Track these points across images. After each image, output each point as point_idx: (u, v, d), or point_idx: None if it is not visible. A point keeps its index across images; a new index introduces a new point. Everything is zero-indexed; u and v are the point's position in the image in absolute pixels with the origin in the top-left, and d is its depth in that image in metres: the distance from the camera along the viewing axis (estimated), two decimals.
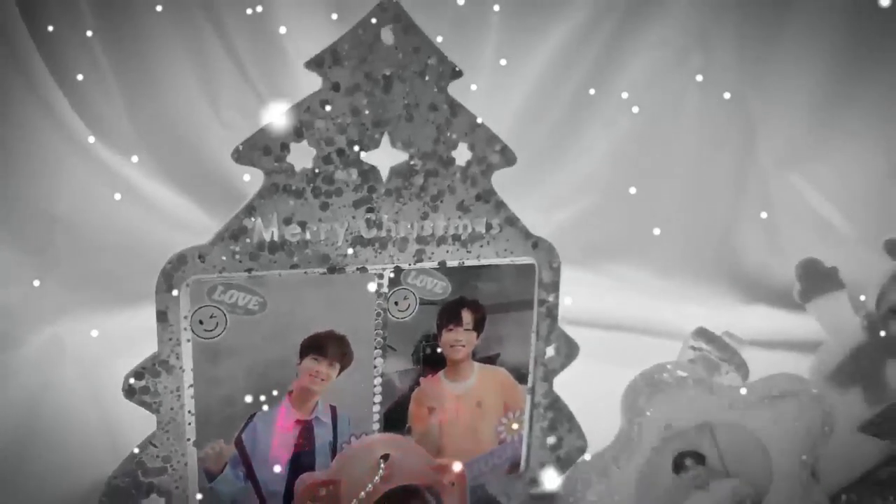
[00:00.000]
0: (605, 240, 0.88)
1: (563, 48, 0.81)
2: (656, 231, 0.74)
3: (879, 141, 0.79)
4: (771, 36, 0.79)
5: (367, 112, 0.36)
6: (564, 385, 0.48)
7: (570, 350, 0.46)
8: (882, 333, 0.49)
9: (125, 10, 0.61)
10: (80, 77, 0.56)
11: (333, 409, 0.40)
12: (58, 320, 0.56)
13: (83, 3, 0.60)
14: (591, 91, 0.83)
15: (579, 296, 0.69)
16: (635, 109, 0.82)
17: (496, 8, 0.78)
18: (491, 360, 0.44)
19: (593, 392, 0.46)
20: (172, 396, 0.35)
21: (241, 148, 0.34)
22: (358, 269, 0.39)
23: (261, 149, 0.35)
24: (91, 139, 0.57)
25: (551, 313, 0.44)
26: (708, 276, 0.85)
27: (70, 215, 0.58)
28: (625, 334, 0.75)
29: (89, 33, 0.56)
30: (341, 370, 0.40)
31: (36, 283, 0.51)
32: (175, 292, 0.34)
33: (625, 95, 0.82)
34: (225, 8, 0.62)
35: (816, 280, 0.50)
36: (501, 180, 0.93)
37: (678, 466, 0.45)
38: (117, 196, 0.56)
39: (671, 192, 0.86)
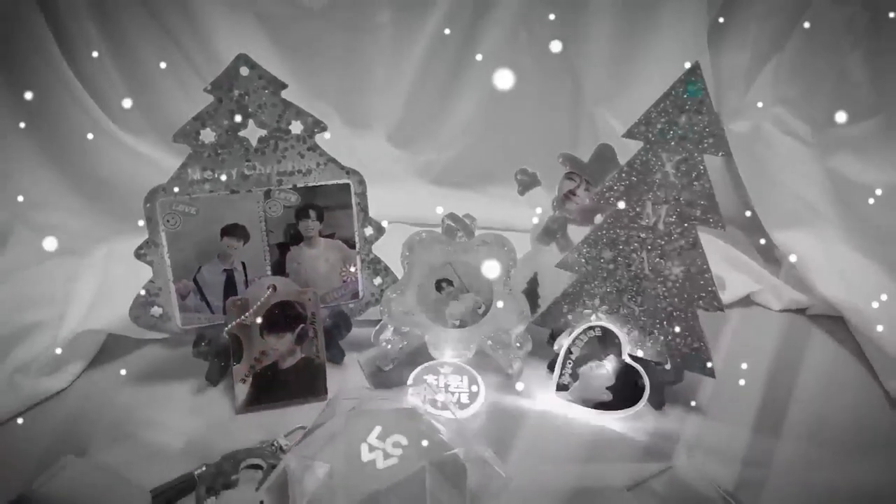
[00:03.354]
0: (484, 168, 1.21)
1: (437, 34, 1.12)
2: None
3: (666, 76, 1.08)
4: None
5: (237, 111, 0.72)
6: (386, 247, 0.84)
7: (379, 229, 0.81)
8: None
9: (119, 22, 0.97)
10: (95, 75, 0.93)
11: (244, 264, 0.78)
12: (112, 238, 0.96)
13: (88, 19, 0.95)
14: (460, 63, 1.14)
15: (465, 206, 1.00)
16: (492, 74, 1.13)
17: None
18: (331, 236, 0.80)
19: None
20: (159, 257, 0.73)
21: (175, 136, 0.71)
22: (247, 191, 0.75)
23: (185, 134, 0.71)
24: (112, 125, 0.96)
25: (364, 209, 0.80)
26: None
27: (109, 175, 0.96)
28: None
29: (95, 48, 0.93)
30: (245, 243, 0.77)
31: (93, 216, 0.90)
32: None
33: (480, 59, 1.12)
34: (183, 34, 0.98)
35: (526, 181, 0.83)
36: (405, 132, 1.24)
37: (438, 287, 0.81)
38: (134, 161, 0.94)
39: (527, 131, 1.17)
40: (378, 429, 0.57)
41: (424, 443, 0.56)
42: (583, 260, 0.80)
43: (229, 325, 0.73)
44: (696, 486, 0.70)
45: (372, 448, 0.56)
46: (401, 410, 0.59)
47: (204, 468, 0.66)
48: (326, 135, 0.76)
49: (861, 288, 0.91)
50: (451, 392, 0.77)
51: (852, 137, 0.94)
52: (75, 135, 0.94)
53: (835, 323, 0.95)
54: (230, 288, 0.77)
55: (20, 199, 0.89)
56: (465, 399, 0.77)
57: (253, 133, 0.74)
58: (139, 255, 0.73)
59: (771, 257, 1.06)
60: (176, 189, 0.72)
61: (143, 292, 0.74)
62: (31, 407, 0.74)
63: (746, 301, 0.99)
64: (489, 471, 0.59)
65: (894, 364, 0.82)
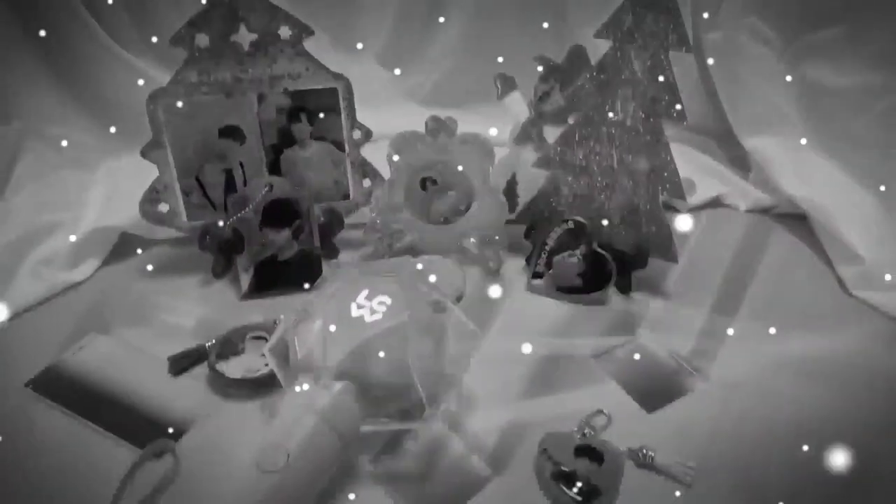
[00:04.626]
0: (470, 88, 1.25)
1: None
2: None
3: None
4: None
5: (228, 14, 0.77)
6: (373, 152, 0.90)
7: (367, 133, 0.87)
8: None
9: None
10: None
11: (242, 164, 0.84)
12: (119, 151, 1.01)
13: None
14: None
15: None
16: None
17: None
18: (322, 139, 0.86)
19: None
20: (163, 157, 0.80)
21: (171, 39, 0.76)
22: (241, 94, 0.81)
23: (180, 39, 0.76)
24: (122, 52, 1.01)
25: (351, 113, 0.86)
26: None
27: (113, 93, 1.02)
28: None
29: None
30: (241, 144, 0.83)
31: (112, 129, 0.97)
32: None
33: None
34: None
35: (505, 84, 0.88)
36: (394, 53, 1.27)
37: (423, 186, 0.87)
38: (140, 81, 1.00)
39: (513, 51, 1.20)
40: (365, 291, 0.64)
41: (406, 302, 0.63)
42: (557, 158, 0.86)
43: (231, 220, 0.80)
44: (655, 354, 0.78)
45: (360, 306, 0.63)
46: (387, 279, 0.66)
47: (214, 341, 0.74)
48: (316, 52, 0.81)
49: (823, 186, 0.97)
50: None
51: (820, 44, 0.98)
52: (80, 55, 0.99)
53: (797, 221, 1.01)
54: (230, 186, 0.84)
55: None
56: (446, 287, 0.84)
57: (244, 39, 0.79)
58: (144, 154, 0.79)
59: (741, 164, 1.11)
60: (174, 91, 0.78)
61: (154, 187, 0.81)
62: (55, 295, 0.82)
63: (715, 202, 1.06)
64: (464, 331, 0.66)
65: (850, 254, 0.89)
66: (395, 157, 0.84)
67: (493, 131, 0.86)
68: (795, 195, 0.99)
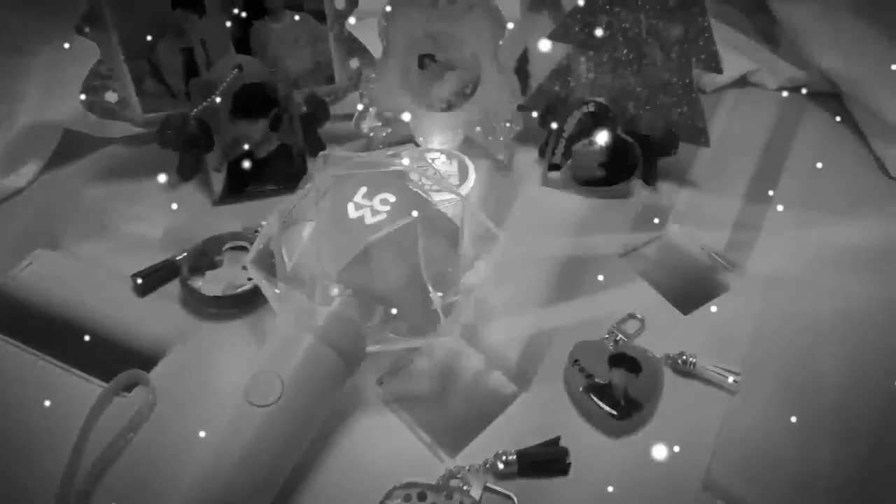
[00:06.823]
0: None
1: None
2: None
3: None
4: None
5: None
6: (361, 31, 0.77)
7: (352, 1, 0.73)
8: None
9: None
10: None
11: (203, 41, 0.70)
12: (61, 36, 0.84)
13: None
14: None
15: None
16: None
17: None
18: (299, 8, 0.73)
19: None
20: (105, 34, 0.66)
21: None
22: None
23: None
24: None
25: None
26: None
27: None
28: None
29: None
30: (201, 16, 0.69)
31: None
32: None
33: None
34: None
35: None
36: None
37: (420, 65, 0.75)
38: None
39: None
40: (364, 189, 0.53)
41: (412, 199, 0.53)
42: (576, 28, 0.74)
43: (196, 110, 0.68)
44: (687, 249, 0.70)
45: (359, 206, 0.53)
46: (387, 172, 0.56)
47: (185, 253, 0.63)
48: None
49: (861, 57, 0.86)
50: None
51: None
52: None
53: (832, 100, 0.91)
54: (191, 69, 0.71)
55: None
56: (455, 182, 0.74)
57: None
58: (80, 30, 0.65)
59: (770, 37, 1.00)
60: None
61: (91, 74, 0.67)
62: None
63: (742, 82, 0.95)
64: (481, 232, 0.57)
65: (890, 132, 0.80)
66: (386, 27, 0.71)
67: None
68: (829, 68, 0.88)
